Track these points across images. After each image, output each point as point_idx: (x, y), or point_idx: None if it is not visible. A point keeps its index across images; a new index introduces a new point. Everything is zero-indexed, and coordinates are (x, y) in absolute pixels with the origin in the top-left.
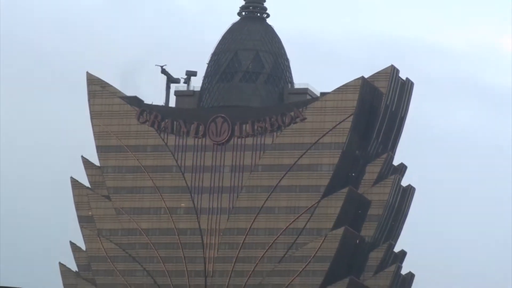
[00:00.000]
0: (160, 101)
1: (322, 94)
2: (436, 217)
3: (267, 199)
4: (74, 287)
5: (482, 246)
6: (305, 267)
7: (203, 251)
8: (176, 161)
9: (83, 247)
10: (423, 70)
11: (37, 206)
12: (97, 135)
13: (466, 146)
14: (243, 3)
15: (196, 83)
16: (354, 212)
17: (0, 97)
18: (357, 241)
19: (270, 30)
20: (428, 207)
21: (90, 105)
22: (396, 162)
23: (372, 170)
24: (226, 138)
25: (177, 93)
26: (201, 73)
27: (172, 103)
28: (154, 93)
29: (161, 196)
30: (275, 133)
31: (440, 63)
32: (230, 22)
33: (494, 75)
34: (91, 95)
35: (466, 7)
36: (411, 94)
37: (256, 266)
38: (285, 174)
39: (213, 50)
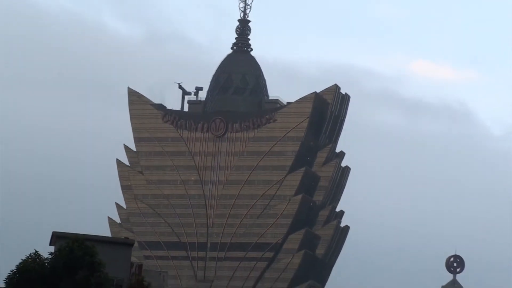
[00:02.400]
0: (178, 107)
1: (288, 103)
2: (365, 188)
3: (250, 174)
4: (118, 234)
5: (398, 208)
6: (275, 221)
7: (206, 209)
8: (188, 148)
9: (124, 206)
10: (357, 87)
11: (94, 180)
12: (135, 130)
13: (388, 139)
14: (234, 40)
15: (202, 95)
16: (309, 184)
17: (66, 107)
18: (311, 204)
19: (253, 59)
20: (359, 181)
21: (130, 109)
22: (337, 150)
23: (321, 156)
24: (223, 133)
25: (189, 102)
26: (206, 88)
27: (186, 108)
28: (173, 102)
29: (178, 172)
30: (256, 130)
31: (370, 82)
32: (226, 53)
33: (408, 90)
34: (131, 102)
35: (388, 42)
36: (349, 104)
37: (242, 220)
38: (262, 157)
39: (214, 72)
